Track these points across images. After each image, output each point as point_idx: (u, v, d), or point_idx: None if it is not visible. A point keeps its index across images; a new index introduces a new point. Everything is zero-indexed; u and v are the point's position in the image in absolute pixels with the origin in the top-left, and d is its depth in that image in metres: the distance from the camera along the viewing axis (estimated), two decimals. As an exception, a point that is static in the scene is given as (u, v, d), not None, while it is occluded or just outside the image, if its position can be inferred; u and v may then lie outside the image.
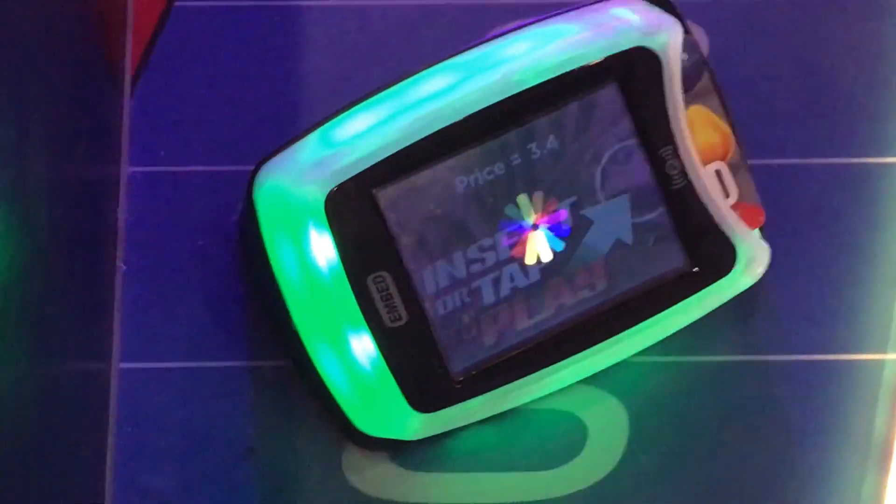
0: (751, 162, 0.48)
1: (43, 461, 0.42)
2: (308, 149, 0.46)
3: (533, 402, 0.48)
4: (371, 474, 0.48)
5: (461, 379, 0.47)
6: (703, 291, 0.48)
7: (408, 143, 0.45)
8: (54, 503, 0.43)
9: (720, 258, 0.48)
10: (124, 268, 0.50)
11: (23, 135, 0.41)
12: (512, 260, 0.47)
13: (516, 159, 0.46)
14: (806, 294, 0.49)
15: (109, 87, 0.51)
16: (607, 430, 0.48)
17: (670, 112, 0.47)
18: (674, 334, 0.48)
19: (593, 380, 0.48)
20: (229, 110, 0.52)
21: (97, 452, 0.48)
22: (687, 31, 0.47)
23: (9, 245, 0.39)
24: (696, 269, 0.48)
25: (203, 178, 0.51)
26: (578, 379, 0.48)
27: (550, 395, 0.48)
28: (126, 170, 0.51)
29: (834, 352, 0.49)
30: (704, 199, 0.47)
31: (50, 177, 0.44)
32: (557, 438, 0.45)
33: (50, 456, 0.43)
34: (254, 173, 0.47)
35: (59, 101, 0.46)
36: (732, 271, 0.48)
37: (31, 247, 0.42)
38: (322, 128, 0.46)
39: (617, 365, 0.48)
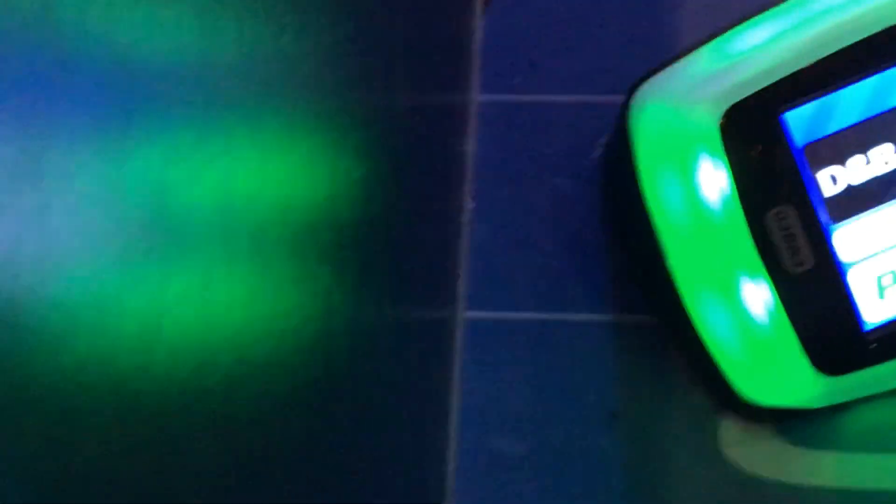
0: None
1: (383, 419, 0.38)
2: (699, 63, 0.40)
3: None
4: (753, 450, 0.42)
5: (875, 337, 0.39)
6: None
7: (822, 55, 0.38)
8: (395, 465, 0.38)
9: None
10: (473, 205, 0.45)
11: (387, 60, 0.36)
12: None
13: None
14: None
15: (459, 6, 0.46)
16: None
17: None
18: None
19: None
20: (591, 34, 0.46)
21: (440, 410, 0.43)
22: None
23: (373, 176, 0.34)
24: None
25: (560, 110, 0.46)
26: None
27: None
28: (476, 98, 0.46)
29: None
30: None
31: (405, 105, 0.39)
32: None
33: (389, 415, 0.38)
34: (629, 96, 0.41)
35: (414, 22, 0.41)
36: None
37: (391, 177, 0.37)
38: (715, 41, 0.40)
39: None
